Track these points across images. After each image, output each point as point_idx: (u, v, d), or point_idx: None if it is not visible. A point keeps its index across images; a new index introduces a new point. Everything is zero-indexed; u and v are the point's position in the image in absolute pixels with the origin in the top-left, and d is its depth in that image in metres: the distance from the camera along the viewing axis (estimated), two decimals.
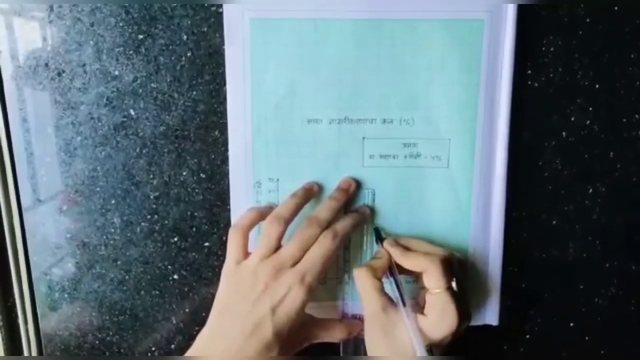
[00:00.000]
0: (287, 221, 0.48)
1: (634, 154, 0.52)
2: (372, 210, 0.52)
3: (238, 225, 0.48)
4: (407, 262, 0.48)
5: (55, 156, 0.51)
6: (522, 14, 0.48)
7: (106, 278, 0.54)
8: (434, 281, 0.46)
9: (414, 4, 0.48)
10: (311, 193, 0.51)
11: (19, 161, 0.51)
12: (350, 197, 0.51)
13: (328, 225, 0.48)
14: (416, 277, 0.50)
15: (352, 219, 0.50)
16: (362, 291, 0.48)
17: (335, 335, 0.51)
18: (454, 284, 0.46)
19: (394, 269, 0.49)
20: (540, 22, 0.49)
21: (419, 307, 0.48)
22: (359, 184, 0.52)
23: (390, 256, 0.49)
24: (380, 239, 0.51)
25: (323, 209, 0.49)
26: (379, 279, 0.48)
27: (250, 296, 0.45)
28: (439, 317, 0.46)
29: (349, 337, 0.51)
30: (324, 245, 0.47)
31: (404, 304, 0.47)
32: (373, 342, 0.48)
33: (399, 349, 0.46)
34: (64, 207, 0.52)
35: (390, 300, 0.48)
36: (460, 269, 0.49)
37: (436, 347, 0.46)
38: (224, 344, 0.45)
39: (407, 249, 0.49)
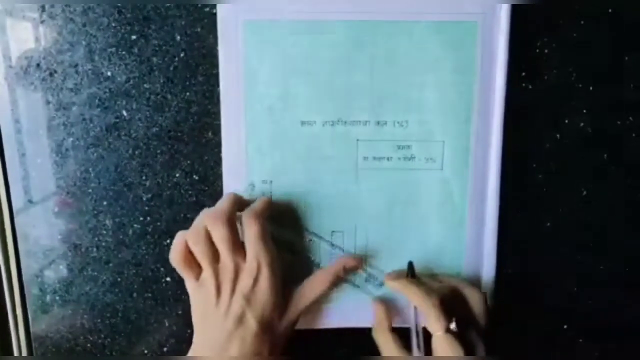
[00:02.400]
0: (207, 232, 0.46)
1: (628, 156, 0.52)
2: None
3: (179, 253, 0.47)
4: (411, 297, 0.49)
5: (46, 157, 0.50)
6: (516, 15, 0.48)
7: (98, 280, 0.53)
8: (430, 324, 0.46)
9: (408, 6, 0.48)
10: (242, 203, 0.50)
11: (10, 162, 0.51)
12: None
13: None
14: None
15: (262, 200, 0.49)
16: (380, 347, 0.51)
17: (321, 287, 0.50)
18: (452, 326, 0.46)
19: (412, 312, 0.50)
20: (534, 23, 0.49)
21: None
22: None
23: (383, 307, 0.52)
24: (410, 272, 0.51)
25: (220, 203, 0.48)
26: (390, 330, 0.51)
27: (220, 303, 0.46)
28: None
29: (336, 282, 0.51)
30: (252, 229, 0.47)
31: (419, 347, 0.48)
32: None
33: None
34: (56, 208, 0.51)
35: (402, 354, 0.49)
36: (469, 301, 0.49)
37: None
38: (211, 348, 0.46)
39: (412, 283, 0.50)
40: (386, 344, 0.50)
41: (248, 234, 0.47)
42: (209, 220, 0.46)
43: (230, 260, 0.46)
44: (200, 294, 0.47)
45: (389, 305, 0.52)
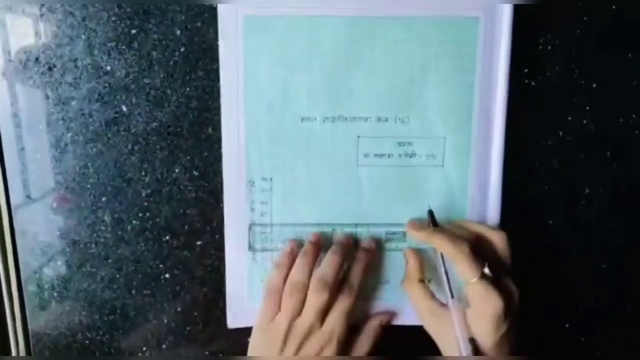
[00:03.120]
0: (306, 286, 0.49)
1: (631, 154, 0.52)
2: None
3: (273, 286, 0.50)
4: (439, 246, 0.48)
5: (45, 152, 0.50)
6: (518, 11, 0.48)
7: (96, 277, 0.53)
8: (463, 272, 0.46)
9: (409, 2, 0.48)
10: (319, 246, 0.51)
11: (9, 158, 0.50)
12: (350, 250, 0.51)
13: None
14: None
15: (361, 262, 0.51)
16: (410, 298, 0.51)
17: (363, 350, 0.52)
18: (486, 270, 0.45)
19: (439, 261, 0.49)
20: (537, 19, 0.49)
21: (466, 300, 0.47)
22: (356, 240, 0.52)
23: (416, 258, 0.51)
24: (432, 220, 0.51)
25: (327, 267, 0.49)
26: (422, 280, 0.50)
27: (285, 353, 0.48)
28: (480, 307, 0.45)
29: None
30: (344, 304, 0.49)
31: (452, 295, 0.47)
32: (435, 337, 0.50)
33: (454, 347, 0.47)
34: (54, 204, 0.51)
35: (436, 303, 0.49)
36: (497, 248, 0.48)
37: (489, 339, 0.46)
38: None
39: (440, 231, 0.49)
40: (417, 295, 0.50)
41: (340, 302, 0.49)
42: (316, 286, 0.48)
43: (309, 322, 0.48)
44: (265, 335, 0.50)
45: (420, 256, 0.51)
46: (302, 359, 0.48)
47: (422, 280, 0.51)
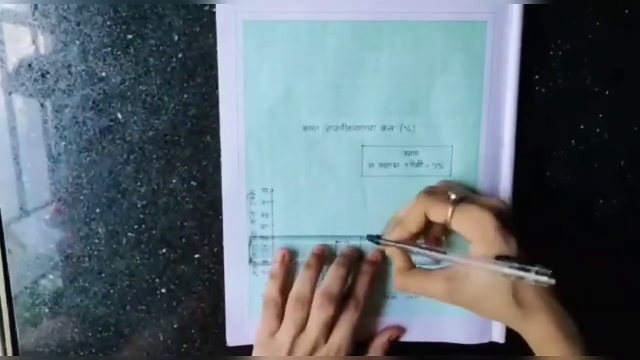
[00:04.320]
0: (310, 300, 0.48)
1: None
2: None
3: (270, 299, 0.49)
4: (409, 225, 0.46)
5: (38, 162, 0.48)
6: (528, 15, 0.47)
7: (90, 292, 0.51)
8: (438, 211, 0.43)
9: (414, 5, 0.46)
10: (323, 258, 0.50)
11: (1, 168, 0.49)
12: (355, 263, 0.50)
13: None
14: None
15: (367, 275, 0.49)
16: (417, 291, 0.46)
17: None
18: (453, 196, 0.43)
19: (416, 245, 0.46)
20: (547, 23, 0.48)
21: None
22: (361, 252, 0.51)
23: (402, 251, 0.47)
24: (376, 238, 0.48)
25: (332, 281, 0.48)
26: (414, 268, 0.47)
27: None
28: (476, 228, 0.42)
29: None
30: (349, 319, 0.48)
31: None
32: (478, 310, 0.44)
33: (491, 289, 0.42)
34: (47, 216, 0.50)
35: (441, 270, 0.44)
36: (452, 187, 0.46)
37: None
38: None
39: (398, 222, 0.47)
40: (422, 281, 0.45)
41: (345, 317, 0.48)
42: (320, 300, 0.47)
43: (314, 337, 0.47)
44: (267, 352, 0.48)
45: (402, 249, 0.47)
46: (304, 359, 0.47)
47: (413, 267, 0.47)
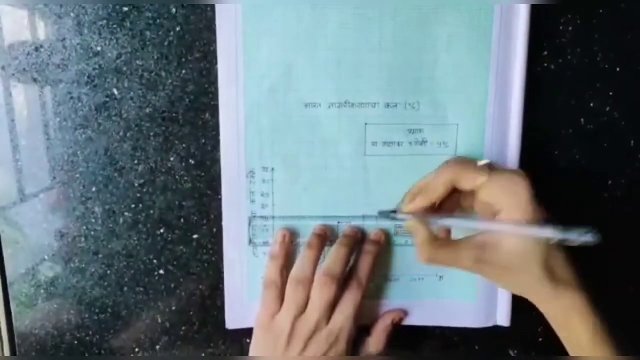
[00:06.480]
0: (310, 281, 0.47)
1: None
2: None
3: (270, 280, 0.48)
4: (434, 194, 0.44)
5: (31, 140, 0.47)
6: None
7: (86, 272, 0.50)
8: (469, 178, 0.42)
9: None
10: (324, 238, 0.49)
11: None
12: (357, 243, 0.49)
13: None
14: None
15: (370, 255, 0.48)
16: (446, 263, 0.44)
17: (376, 348, 0.50)
18: (483, 162, 0.43)
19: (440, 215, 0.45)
20: None
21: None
22: (364, 233, 0.50)
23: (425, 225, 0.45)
24: (391, 212, 0.47)
25: (333, 261, 0.47)
26: (439, 240, 0.44)
27: (289, 353, 0.46)
28: (512, 193, 0.41)
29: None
30: (351, 300, 0.47)
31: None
32: (507, 283, 0.44)
33: (523, 259, 0.41)
34: (41, 195, 0.48)
35: (469, 240, 0.43)
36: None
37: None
38: None
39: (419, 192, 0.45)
40: (452, 251, 0.43)
41: (347, 298, 0.47)
42: (322, 280, 0.46)
43: (315, 319, 0.46)
44: (267, 334, 0.47)
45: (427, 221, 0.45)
46: (306, 359, 0.46)
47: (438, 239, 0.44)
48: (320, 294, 0.46)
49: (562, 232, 0.38)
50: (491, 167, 0.42)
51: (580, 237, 0.38)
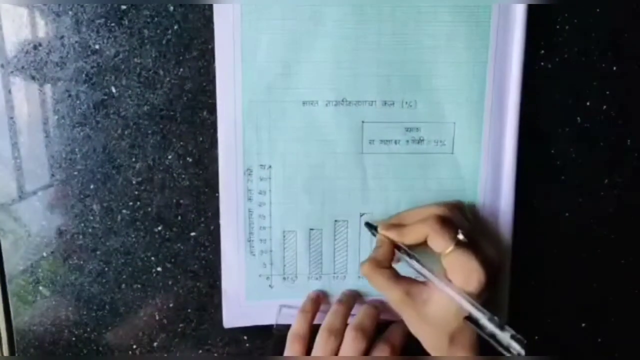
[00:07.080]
0: (307, 338, 0.48)
1: None
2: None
3: (298, 332, 0.48)
4: (407, 238, 0.45)
5: (29, 137, 0.47)
6: None
7: (84, 269, 0.50)
8: (439, 243, 0.43)
9: None
10: (318, 303, 0.50)
11: None
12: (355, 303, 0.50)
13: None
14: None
15: (370, 308, 0.49)
16: (378, 286, 0.46)
17: None
18: (460, 237, 0.43)
19: (404, 250, 0.46)
20: None
21: (443, 274, 0.44)
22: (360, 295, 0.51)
23: (390, 240, 0.47)
24: (373, 229, 0.48)
25: (334, 317, 0.48)
26: (389, 268, 0.46)
27: None
28: (464, 275, 0.42)
29: None
30: (354, 348, 0.46)
31: (433, 274, 0.44)
32: (414, 327, 0.46)
33: (439, 322, 0.44)
34: (39, 193, 0.48)
35: (410, 281, 0.45)
36: (465, 217, 0.47)
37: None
38: None
39: (401, 225, 0.46)
40: (387, 279, 0.46)
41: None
42: (353, 334, 0.46)
43: None
44: None
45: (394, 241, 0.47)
46: (309, 359, 0.47)
47: (389, 266, 0.47)
48: (352, 347, 0.46)
49: (496, 328, 0.40)
50: (466, 243, 0.43)
51: (511, 341, 0.40)
